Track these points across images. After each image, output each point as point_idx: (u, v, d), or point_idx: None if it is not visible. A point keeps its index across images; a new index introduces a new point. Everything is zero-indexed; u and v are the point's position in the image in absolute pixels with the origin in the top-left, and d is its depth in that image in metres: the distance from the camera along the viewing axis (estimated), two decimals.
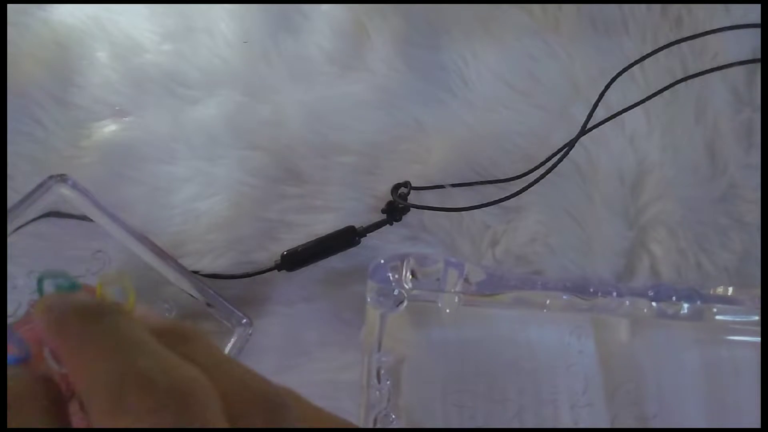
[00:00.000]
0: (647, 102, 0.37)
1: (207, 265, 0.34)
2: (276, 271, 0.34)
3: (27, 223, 0.34)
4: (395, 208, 0.35)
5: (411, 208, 0.35)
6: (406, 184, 0.35)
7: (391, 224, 0.35)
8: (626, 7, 0.39)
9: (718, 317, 0.33)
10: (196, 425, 0.15)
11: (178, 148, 0.36)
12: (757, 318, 0.33)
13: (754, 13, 0.39)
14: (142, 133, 0.36)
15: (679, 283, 0.35)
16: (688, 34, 0.38)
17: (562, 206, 0.36)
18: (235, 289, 0.35)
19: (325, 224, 0.35)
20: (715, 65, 0.38)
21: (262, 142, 0.36)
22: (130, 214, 0.35)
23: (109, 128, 0.36)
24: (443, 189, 0.36)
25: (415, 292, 0.32)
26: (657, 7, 0.39)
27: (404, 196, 0.35)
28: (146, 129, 0.36)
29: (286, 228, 0.35)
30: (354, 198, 0.36)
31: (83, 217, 0.34)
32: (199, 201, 0.35)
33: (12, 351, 0.19)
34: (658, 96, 0.37)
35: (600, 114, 0.37)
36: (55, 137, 0.36)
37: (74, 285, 0.20)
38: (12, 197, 0.35)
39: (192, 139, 0.36)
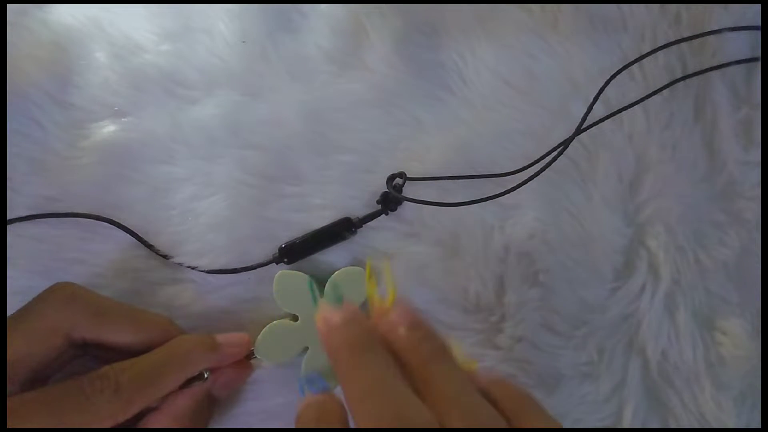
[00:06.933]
0: (646, 100, 0.37)
1: (207, 264, 0.34)
2: (275, 264, 0.34)
3: (22, 220, 0.34)
4: (390, 199, 0.35)
5: (405, 200, 0.35)
6: (401, 174, 0.35)
7: (387, 214, 0.35)
8: (625, 5, 0.39)
9: None
10: None
11: (176, 148, 0.36)
12: None
13: (752, 11, 0.39)
14: (140, 134, 0.36)
15: None
16: (687, 32, 0.38)
17: (561, 203, 0.37)
18: (236, 287, 0.35)
19: (324, 223, 0.35)
20: (714, 63, 0.38)
21: (261, 141, 0.36)
22: (129, 214, 0.35)
23: (107, 129, 0.36)
24: (443, 187, 0.36)
25: None
26: (655, 5, 0.39)
27: (399, 187, 0.35)
28: (145, 129, 0.36)
29: (285, 227, 0.35)
30: (353, 196, 0.36)
31: (81, 216, 0.34)
32: (198, 201, 0.35)
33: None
34: (657, 94, 0.37)
35: (599, 112, 0.37)
36: (53, 138, 0.36)
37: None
38: (11, 197, 0.35)
39: (191, 138, 0.36)
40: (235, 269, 0.34)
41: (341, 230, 0.35)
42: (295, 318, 0.34)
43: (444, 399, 0.21)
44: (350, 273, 0.34)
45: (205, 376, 0.30)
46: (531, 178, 0.35)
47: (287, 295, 0.34)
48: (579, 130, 0.36)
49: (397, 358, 0.24)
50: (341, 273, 0.34)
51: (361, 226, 0.35)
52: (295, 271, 0.34)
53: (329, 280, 0.34)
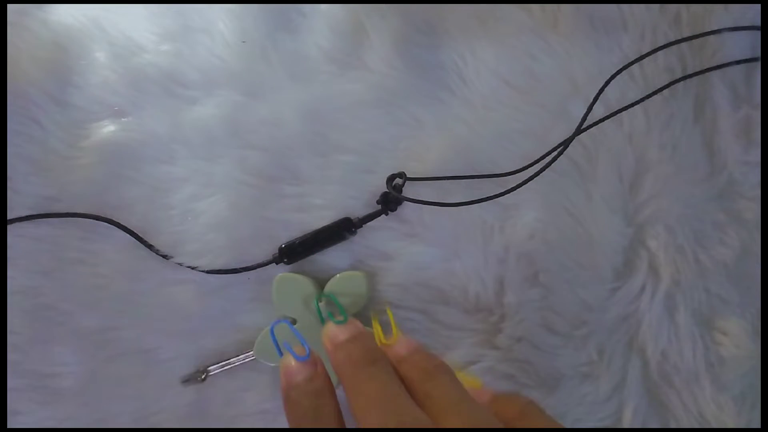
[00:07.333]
0: (646, 100, 0.37)
1: (207, 264, 0.35)
2: (274, 264, 0.34)
3: (22, 220, 0.34)
4: (390, 199, 0.35)
5: (405, 200, 0.35)
6: (401, 174, 0.35)
7: (387, 214, 0.35)
8: (625, 5, 0.39)
9: None
10: None
11: (176, 148, 0.36)
12: None
13: (752, 11, 0.39)
14: (140, 134, 0.36)
15: None
16: (687, 32, 0.38)
17: (561, 204, 0.37)
18: (236, 287, 0.35)
19: (324, 223, 0.35)
20: (714, 63, 0.38)
21: (261, 141, 0.36)
22: (129, 214, 0.35)
23: (107, 129, 0.36)
24: (443, 187, 0.36)
25: None
26: (655, 5, 0.39)
27: (399, 187, 0.35)
28: (145, 129, 0.36)
29: (285, 227, 0.35)
30: (353, 197, 0.36)
31: (81, 216, 0.34)
32: (198, 201, 0.35)
33: (297, 351, 0.26)
34: (657, 94, 0.37)
35: (599, 112, 0.37)
36: (53, 138, 0.36)
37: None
38: (11, 197, 0.35)
39: (191, 139, 0.36)
40: (235, 269, 0.34)
41: (341, 230, 0.35)
42: (293, 321, 0.34)
43: (443, 406, 0.22)
44: (348, 278, 0.34)
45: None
46: (531, 178, 0.35)
47: (286, 299, 0.34)
48: (579, 130, 0.36)
49: (399, 376, 0.25)
50: (339, 279, 0.34)
51: (361, 226, 0.35)
52: (293, 274, 0.34)
53: (323, 296, 0.34)
